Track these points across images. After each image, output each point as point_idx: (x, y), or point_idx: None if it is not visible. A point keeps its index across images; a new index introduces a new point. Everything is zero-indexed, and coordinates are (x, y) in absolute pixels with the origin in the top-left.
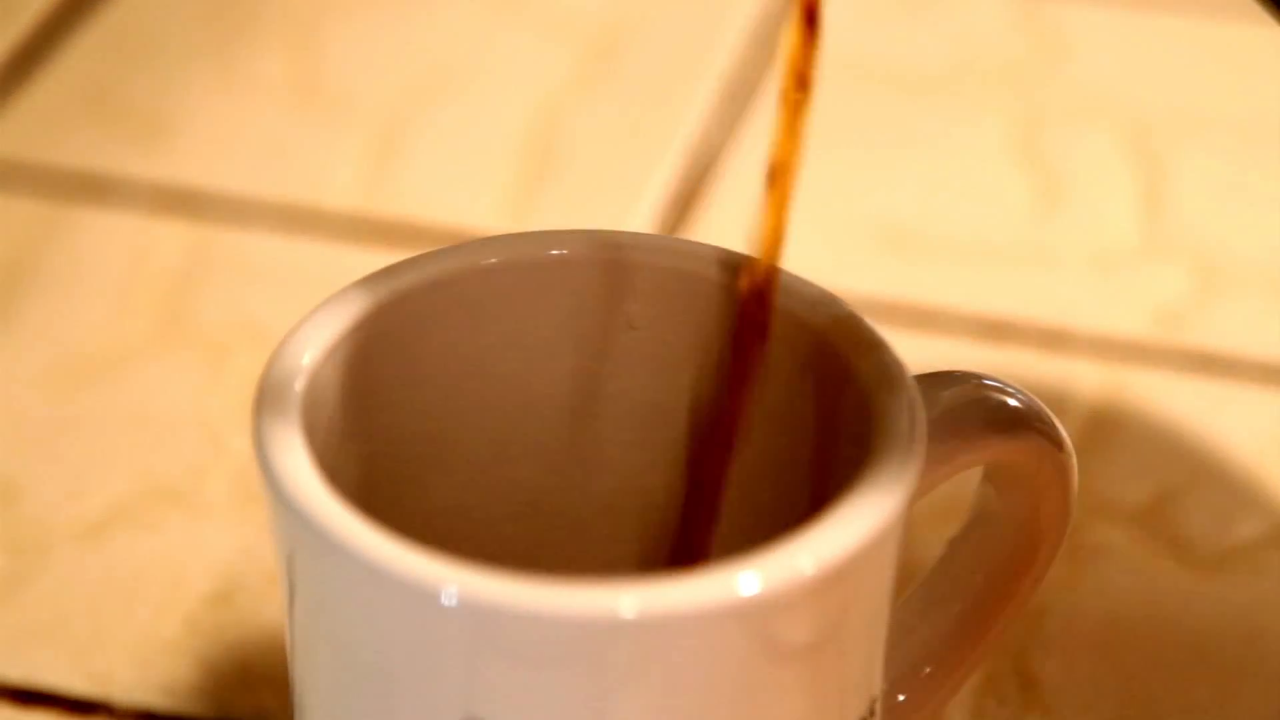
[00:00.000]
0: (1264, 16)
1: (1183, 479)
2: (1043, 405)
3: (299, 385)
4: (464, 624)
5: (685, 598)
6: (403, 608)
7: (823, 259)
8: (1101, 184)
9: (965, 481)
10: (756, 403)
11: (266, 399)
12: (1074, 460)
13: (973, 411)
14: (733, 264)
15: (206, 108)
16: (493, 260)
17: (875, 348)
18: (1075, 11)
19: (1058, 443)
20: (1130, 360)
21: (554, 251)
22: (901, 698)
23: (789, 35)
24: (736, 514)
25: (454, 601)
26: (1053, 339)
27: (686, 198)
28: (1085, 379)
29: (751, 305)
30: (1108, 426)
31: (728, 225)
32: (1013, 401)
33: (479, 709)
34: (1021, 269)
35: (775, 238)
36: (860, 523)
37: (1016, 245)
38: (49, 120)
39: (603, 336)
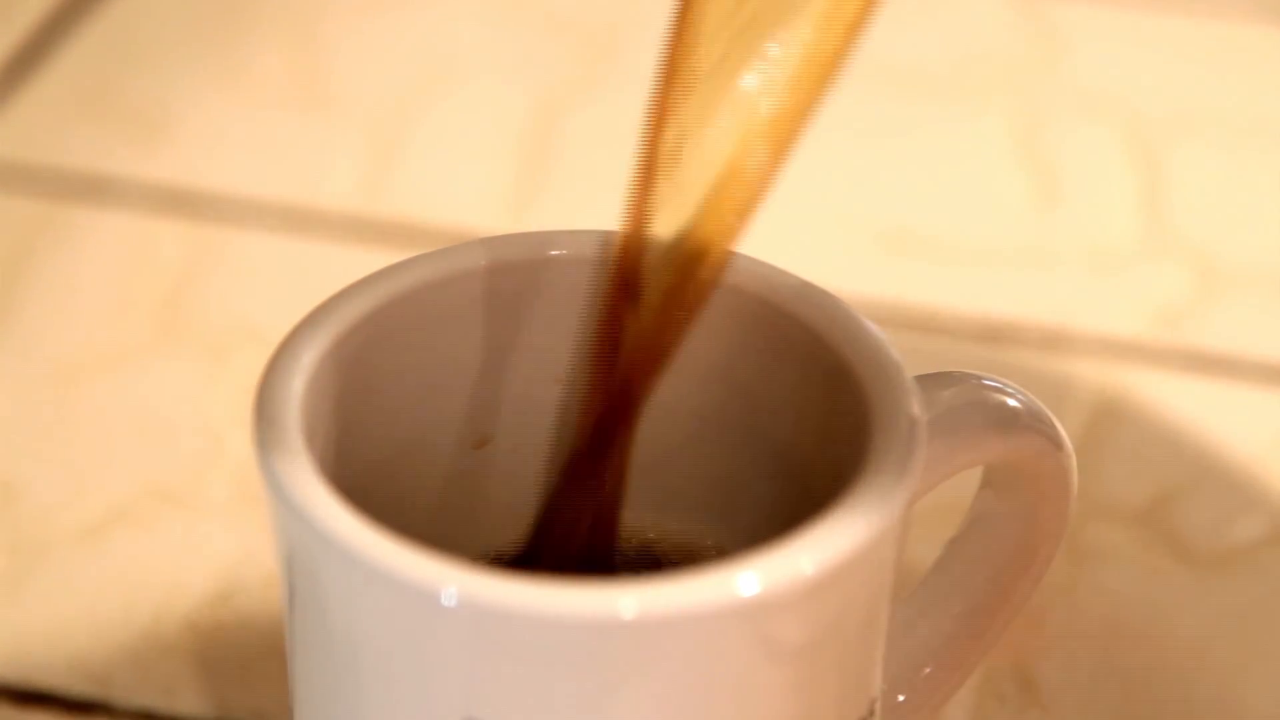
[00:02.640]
0: (1263, 16)
1: (1183, 479)
2: (1043, 405)
3: (299, 385)
4: (464, 624)
5: (685, 598)
6: (403, 608)
7: (823, 259)
8: (1101, 184)
9: (965, 481)
10: (756, 402)
11: (266, 399)
12: (1074, 460)
13: (973, 411)
14: (729, 263)
15: (206, 107)
16: (492, 261)
17: (875, 348)
18: (1075, 11)
19: (1058, 443)
20: (1130, 360)
21: (553, 252)
22: (901, 698)
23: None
24: (735, 513)
25: (454, 601)
26: (1053, 339)
27: None
28: (1085, 379)
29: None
30: (1108, 426)
31: None
32: (1013, 401)
33: (479, 709)
34: (1021, 269)
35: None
36: (860, 523)
37: (1016, 245)
38: (49, 120)
39: None
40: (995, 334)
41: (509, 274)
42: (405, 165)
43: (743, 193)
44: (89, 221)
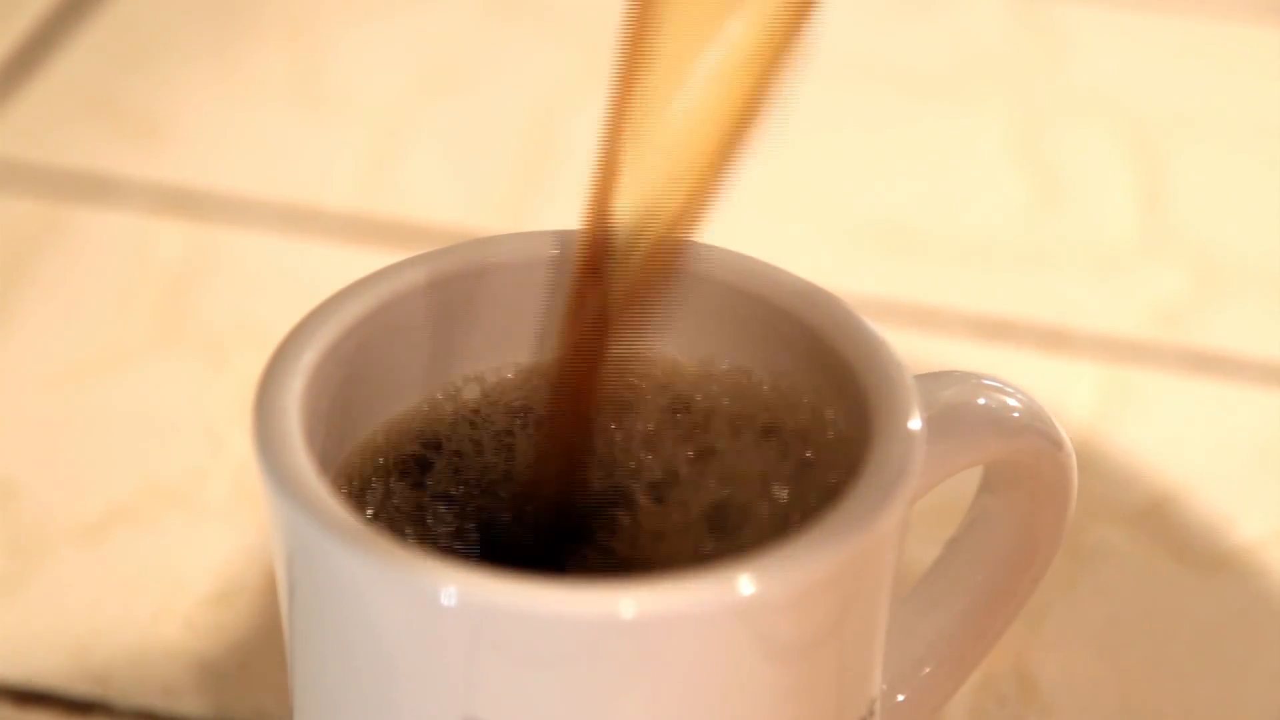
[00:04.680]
0: (1263, 16)
1: (1183, 479)
2: (1042, 405)
3: (299, 385)
4: (464, 624)
5: (684, 598)
6: (403, 608)
7: (823, 259)
8: (1101, 184)
9: (965, 481)
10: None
11: (266, 399)
12: (1074, 460)
13: (973, 411)
14: (730, 263)
15: (207, 108)
16: (491, 260)
17: (875, 348)
18: (1075, 11)
19: (1057, 443)
20: (1130, 360)
21: (552, 252)
22: (901, 698)
23: None
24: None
25: (454, 601)
26: (1053, 339)
27: None
28: (1085, 379)
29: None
30: (1108, 426)
31: (727, 225)
32: (1013, 401)
33: (479, 709)
34: (1021, 269)
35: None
36: (859, 523)
37: (1016, 245)
38: (49, 120)
39: None
40: (995, 334)
41: (508, 273)
42: (405, 165)
43: (707, 167)
44: (89, 221)
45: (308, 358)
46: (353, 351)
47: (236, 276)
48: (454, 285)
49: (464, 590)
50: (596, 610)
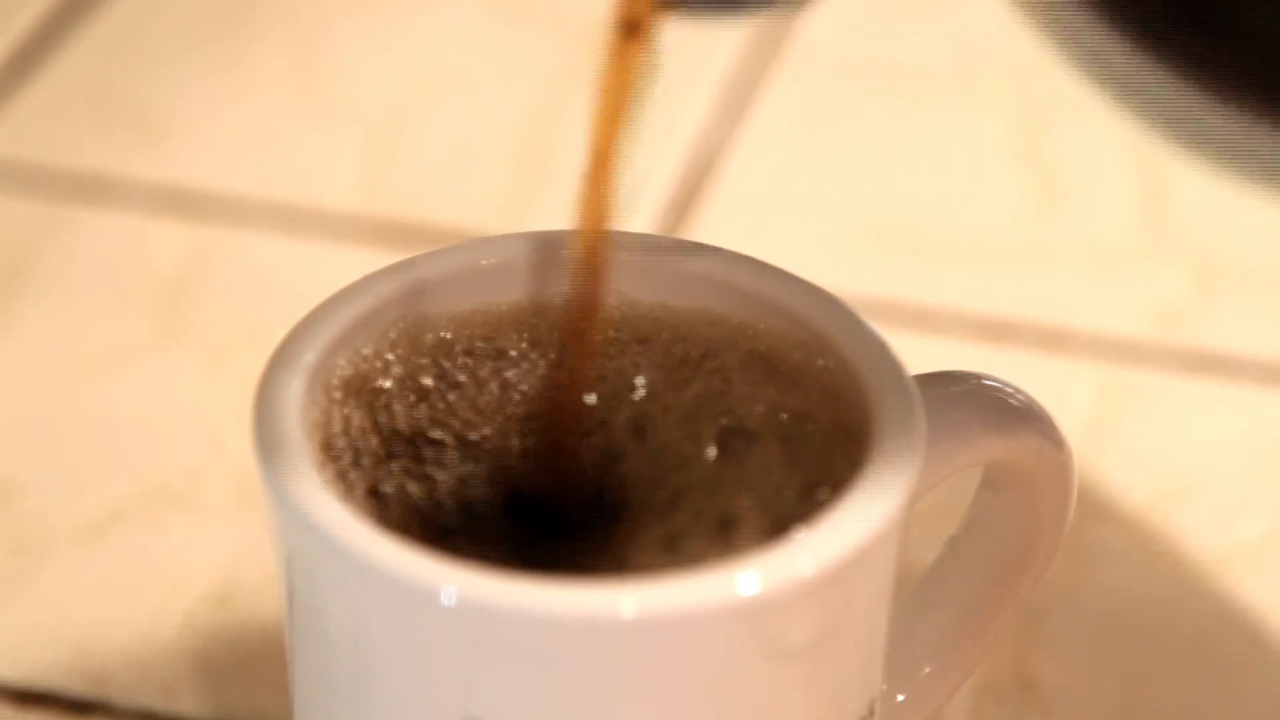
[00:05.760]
0: None
1: (1183, 479)
2: (1043, 405)
3: (299, 385)
4: (464, 624)
5: (685, 598)
6: (403, 608)
7: (822, 259)
8: (1101, 184)
9: (965, 481)
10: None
11: (266, 399)
12: (1074, 460)
13: (973, 411)
14: (729, 262)
15: (206, 108)
16: (491, 260)
17: (875, 348)
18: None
19: (1058, 443)
20: (1130, 360)
21: (552, 251)
22: (901, 698)
23: None
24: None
25: (454, 601)
26: (1053, 339)
27: (686, 198)
28: (1085, 379)
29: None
30: (1108, 426)
31: (728, 225)
32: (1013, 401)
33: (479, 709)
34: (1021, 269)
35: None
36: (860, 523)
37: (1016, 245)
38: (49, 120)
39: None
40: (995, 334)
41: (508, 273)
42: (405, 165)
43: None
44: (89, 221)
45: (308, 358)
46: (353, 350)
47: (236, 277)
48: (455, 284)
49: (464, 590)
50: (596, 610)
